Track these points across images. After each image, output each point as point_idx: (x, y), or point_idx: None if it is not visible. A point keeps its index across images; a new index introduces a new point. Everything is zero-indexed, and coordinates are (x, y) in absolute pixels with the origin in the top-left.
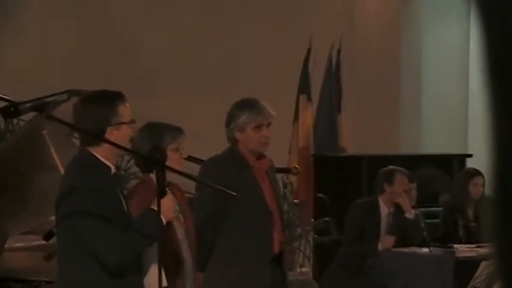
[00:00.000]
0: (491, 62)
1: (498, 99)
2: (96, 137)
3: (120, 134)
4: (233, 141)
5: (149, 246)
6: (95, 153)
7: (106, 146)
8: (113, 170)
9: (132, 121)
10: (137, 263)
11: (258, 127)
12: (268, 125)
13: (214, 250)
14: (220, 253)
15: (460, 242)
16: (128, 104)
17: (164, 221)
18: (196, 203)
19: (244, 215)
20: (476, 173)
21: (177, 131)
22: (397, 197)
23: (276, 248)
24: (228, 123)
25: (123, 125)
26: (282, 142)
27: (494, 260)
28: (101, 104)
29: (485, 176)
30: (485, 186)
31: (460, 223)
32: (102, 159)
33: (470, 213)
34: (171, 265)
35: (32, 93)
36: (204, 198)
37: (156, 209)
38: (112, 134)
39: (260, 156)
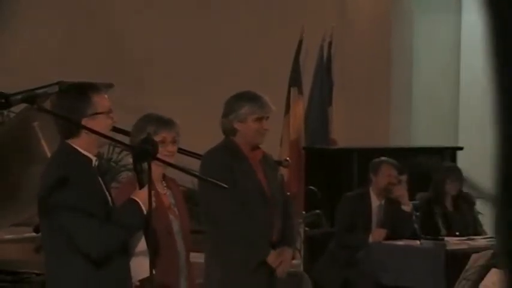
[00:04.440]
0: (498, 47)
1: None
2: (75, 126)
3: (97, 124)
4: (230, 131)
5: (132, 236)
6: (75, 146)
7: (85, 137)
8: (94, 161)
9: (109, 112)
10: (122, 252)
11: (259, 119)
12: (267, 118)
13: (213, 238)
14: (219, 241)
15: (439, 234)
16: (105, 95)
17: (145, 210)
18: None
19: (243, 203)
20: (453, 169)
21: (162, 123)
22: (389, 187)
23: (276, 236)
24: (226, 114)
25: (99, 115)
26: (273, 135)
27: (501, 257)
28: (74, 96)
29: (463, 171)
30: (462, 182)
31: (437, 214)
32: (83, 151)
33: (448, 205)
34: (165, 257)
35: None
36: (209, 190)
37: (135, 199)
38: (87, 124)
39: (254, 148)
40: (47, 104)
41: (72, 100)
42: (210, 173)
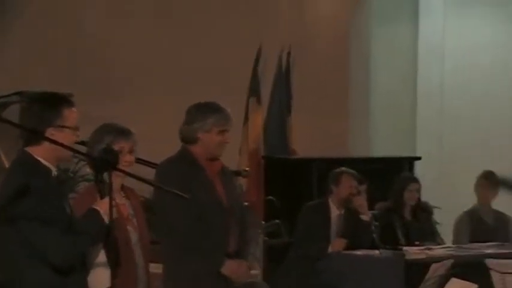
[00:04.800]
0: None
1: None
2: (38, 135)
3: (62, 137)
4: (191, 140)
5: (93, 245)
6: (35, 155)
7: (46, 146)
8: (54, 172)
9: (76, 128)
10: (82, 262)
11: (222, 132)
12: (229, 131)
13: (169, 246)
14: (174, 252)
15: (398, 243)
16: (75, 110)
17: (106, 220)
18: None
19: (199, 214)
20: (411, 179)
21: (119, 133)
22: (350, 198)
23: (233, 246)
24: (189, 122)
25: (66, 129)
26: (232, 144)
27: None
28: (45, 105)
29: (420, 182)
30: (420, 192)
31: (396, 224)
32: (43, 161)
33: (407, 215)
34: (124, 268)
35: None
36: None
37: (97, 208)
38: (53, 135)
39: (213, 159)
40: (8, 113)
41: (42, 109)
42: (165, 182)
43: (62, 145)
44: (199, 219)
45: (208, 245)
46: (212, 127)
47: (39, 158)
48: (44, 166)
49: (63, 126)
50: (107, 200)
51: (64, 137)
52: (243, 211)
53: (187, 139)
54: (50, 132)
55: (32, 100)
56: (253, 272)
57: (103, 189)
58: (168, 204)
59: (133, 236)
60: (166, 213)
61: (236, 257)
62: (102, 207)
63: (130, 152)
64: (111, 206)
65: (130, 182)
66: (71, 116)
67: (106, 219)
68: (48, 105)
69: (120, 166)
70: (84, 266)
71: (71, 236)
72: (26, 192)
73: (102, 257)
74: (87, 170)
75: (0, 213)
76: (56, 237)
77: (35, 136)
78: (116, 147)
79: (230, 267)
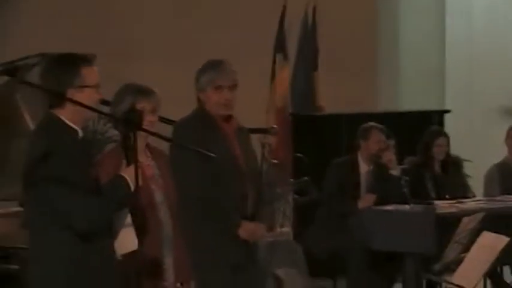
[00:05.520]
0: None
1: None
2: (59, 97)
3: (83, 97)
4: (198, 101)
5: (118, 211)
6: (60, 116)
7: (70, 108)
8: (80, 133)
9: (96, 86)
10: (107, 227)
11: (218, 88)
12: (232, 87)
13: (186, 208)
14: (192, 211)
15: (429, 198)
16: (95, 68)
17: (132, 187)
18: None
19: (216, 174)
20: (439, 133)
21: (141, 93)
22: (379, 153)
23: (250, 208)
24: (195, 81)
25: (87, 88)
26: (260, 102)
27: None
28: (63, 66)
29: (451, 135)
30: (449, 146)
31: (426, 178)
32: (69, 123)
33: (436, 169)
34: (148, 228)
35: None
36: (187, 159)
37: (123, 175)
38: (74, 96)
39: (227, 118)
40: (31, 75)
41: (60, 70)
42: (181, 142)
43: (84, 106)
44: (216, 181)
45: (224, 207)
46: (206, 86)
47: (65, 120)
48: (70, 128)
49: (83, 86)
50: (133, 166)
51: (85, 97)
52: (261, 171)
53: (197, 101)
54: (71, 93)
55: (50, 62)
56: (284, 229)
57: (130, 156)
58: (183, 165)
59: (158, 196)
60: (182, 174)
61: (253, 219)
62: (129, 173)
63: (153, 111)
64: (136, 170)
65: (154, 142)
66: (90, 74)
67: (132, 186)
68: (66, 66)
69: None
70: (109, 232)
71: (96, 200)
72: (51, 154)
73: (128, 220)
74: (115, 132)
75: (26, 176)
76: (81, 201)
77: (57, 98)
78: (138, 107)
79: (247, 229)
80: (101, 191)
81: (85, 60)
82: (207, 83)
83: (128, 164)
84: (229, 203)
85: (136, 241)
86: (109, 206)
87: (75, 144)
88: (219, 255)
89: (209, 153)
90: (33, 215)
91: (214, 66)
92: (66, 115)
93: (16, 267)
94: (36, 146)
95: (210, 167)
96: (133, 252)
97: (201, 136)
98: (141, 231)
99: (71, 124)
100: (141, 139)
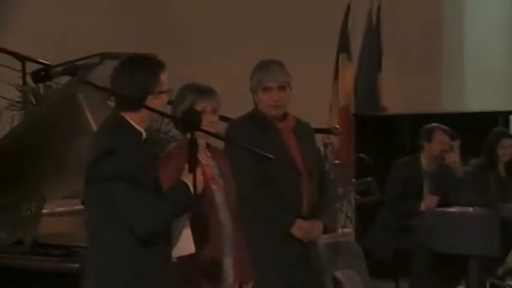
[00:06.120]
0: None
1: None
2: (137, 103)
3: (159, 103)
4: (254, 100)
5: (179, 216)
6: (128, 119)
7: (143, 113)
8: (144, 135)
9: (170, 90)
10: (166, 233)
11: (266, 89)
12: (280, 88)
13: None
14: (244, 212)
15: (493, 200)
16: (167, 72)
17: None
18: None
19: (271, 173)
20: (504, 134)
21: (201, 92)
22: (443, 154)
23: (306, 209)
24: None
25: (163, 94)
26: (323, 102)
27: None
28: (145, 71)
29: None
30: None
31: (491, 181)
32: (135, 125)
33: (501, 171)
34: (208, 229)
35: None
36: (240, 158)
37: (185, 181)
38: (152, 102)
39: (283, 116)
40: (91, 76)
41: (142, 75)
42: (234, 141)
43: (160, 113)
44: (269, 181)
45: (276, 207)
46: (256, 87)
47: (131, 122)
48: (136, 130)
49: (161, 92)
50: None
51: (161, 102)
52: (323, 171)
53: (253, 98)
54: (150, 100)
55: (128, 65)
56: (345, 230)
57: (193, 162)
58: (235, 165)
59: (218, 196)
60: (235, 173)
61: (309, 218)
62: (191, 179)
63: (214, 111)
64: (194, 176)
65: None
66: (165, 79)
67: (193, 192)
68: (149, 71)
69: (202, 126)
70: (168, 238)
71: (158, 204)
72: (117, 154)
73: (186, 222)
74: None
75: (90, 174)
76: (143, 204)
77: (134, 104)
78: (198, 107)
79: (301, 228)
80: (160, 191)
81: (163, 65)
82: (256, 84)
83: (190, 170)
84: (282, 202)
85: (193, 244)
86: (171, 211)
87: (139, 146)
88: (272, 255)
89: (265, 154)
90: (94, 213)
91: (262, 67)
92: (135, 119)
93: (77, 265)
94: (101, 144)
95: (263, 166)
96: (190, 255)
97: (253, 135)
98: (201, 233)
99: (137, 126)
100: (201, 139)
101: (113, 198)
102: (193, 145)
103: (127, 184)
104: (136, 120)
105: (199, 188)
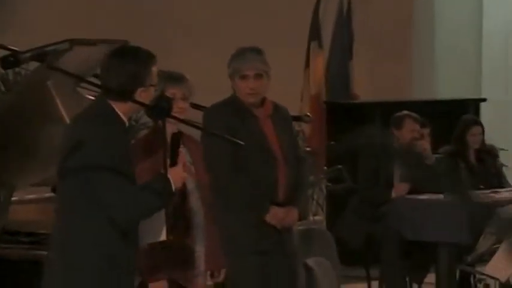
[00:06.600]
0: None
1: None
2: (128, 95)
3: (146, 96)
4: (232, 88)
5: (159, 210)
6: (114, 107)
7: (131, 104)
8: (127, 125)
9: (156, 84)
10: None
11: (243, 77)
12: (258, 76)
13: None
14: (219, 198)
15: (463, 187)
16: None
17: (173, 187)
18: (209, 152)
19: (246, 160)
20: (473, 122)
21: (171, 79)
22: (413, 142)
23: (282, 196)
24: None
25: (151, 87)
26: (294, 90)
27: None
28: (138, 63)
29: (487, 124)
30: (484, 135)
31: (461, 168)
32: (120, 114)
33: (471, 158)
34: (179, 216)
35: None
36: (215, 146)
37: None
38: (140, 95)
39: (261, 102)
40: (60, 62)
41: (135, 67)
42: (210, 128)
43: (145, 106)
44: (244, 168)
45: (251, 194)
46: (233, 75)
47: (118, 111)
48: (121, 119)
49: (150, 85)
50: (178, 167)
51: (148, 95)
52: (298, 157)
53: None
54: (139, 93)
55: (118, 54)
56: (316, 218)
57: (174, 156)
58: (210, 152)
59: (190, 183)
60: (209, 160)
61: (284, 205)
62: (174, 174)
63: (184, 98)
64: (165, 159)
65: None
66: (155, 73)
67: (174, 187)
68: (141, 63)
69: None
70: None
71: (140, 193)
72: (100, 142)
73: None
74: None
75: (67, 163)
76: (125, 193)
77: (124, 95)
78: (168, 93)
79: (275, 215)
80: (146, 189)
81: (154, 57)
82: (233, 72)
83: (172, 164)
84: (257, 190)
85: (164, 232)
86: (153, 201)
87: (122, 135)
88: (247, 243)
89: (236, 140)
90: (69, 201)
91: (239, 55)
92: (121, 108)
93: (46, 253)
94: (82, 130)
95: (237, 153)
96: (161, 242)
97: (230, 122)
98: (172, 220)
99: (122, 115)
100: (170, 126)
101: (95, 188)
102: (176, 139)
103: (108, 172)
104: (122, 109)
105: (180, 183)
